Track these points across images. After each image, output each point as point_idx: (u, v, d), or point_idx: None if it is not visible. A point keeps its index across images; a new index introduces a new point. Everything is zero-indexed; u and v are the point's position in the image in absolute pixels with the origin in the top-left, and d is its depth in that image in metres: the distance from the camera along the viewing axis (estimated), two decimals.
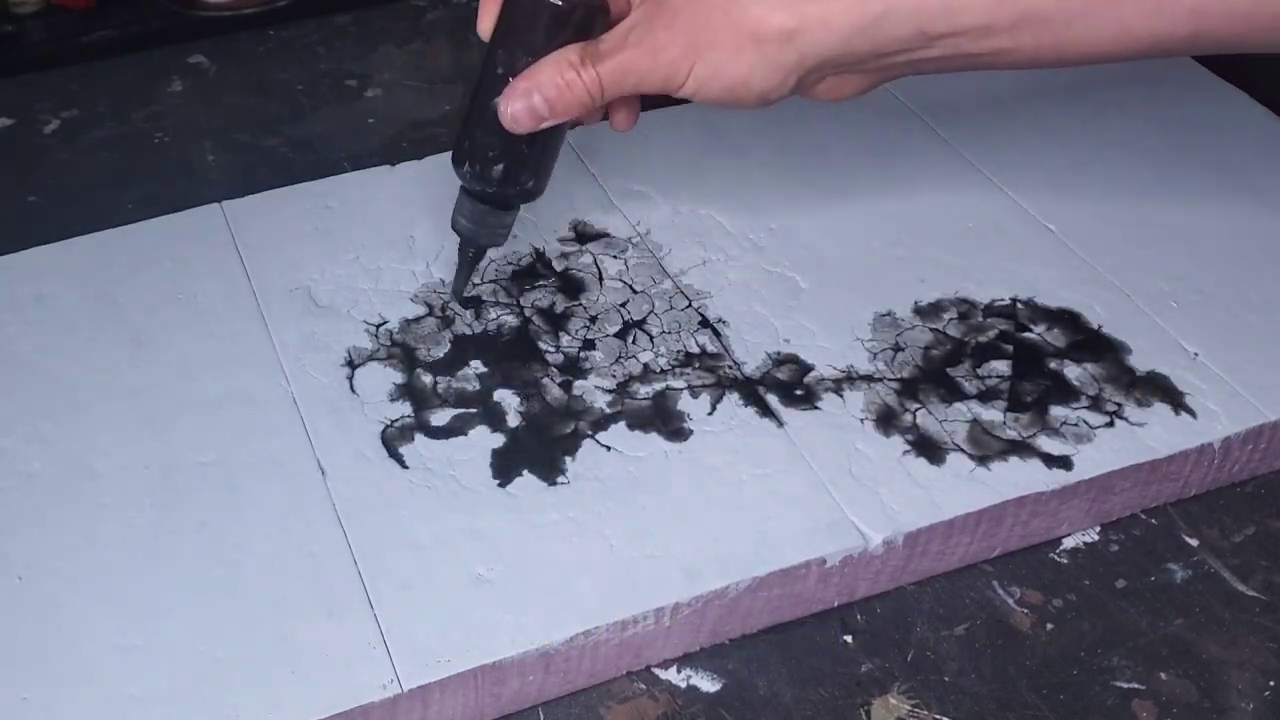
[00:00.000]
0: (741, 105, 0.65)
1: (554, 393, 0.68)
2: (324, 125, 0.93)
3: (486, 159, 0.67)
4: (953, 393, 0.69)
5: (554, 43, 0.64)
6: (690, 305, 0.73)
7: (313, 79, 0.97)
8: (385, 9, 1.03)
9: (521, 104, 0.64)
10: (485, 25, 0.67)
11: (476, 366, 0.70)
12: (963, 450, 0.66)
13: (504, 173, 0.67)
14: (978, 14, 0.61)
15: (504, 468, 0.65)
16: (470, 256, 0.71)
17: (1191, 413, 0.68)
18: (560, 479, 0.64)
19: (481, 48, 0.67)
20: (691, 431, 0.67)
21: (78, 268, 0.76)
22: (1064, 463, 0.65)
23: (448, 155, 0.83)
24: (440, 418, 0.67)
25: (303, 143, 0.91)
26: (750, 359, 0.70)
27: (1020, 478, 0.65)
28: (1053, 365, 0.70)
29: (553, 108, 0.64)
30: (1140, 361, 0.70)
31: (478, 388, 0.69)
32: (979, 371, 0.70)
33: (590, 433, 0.67)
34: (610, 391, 0.69)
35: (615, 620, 0.59)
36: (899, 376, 0.69)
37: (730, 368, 0.70)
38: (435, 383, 0.69)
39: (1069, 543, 0.66)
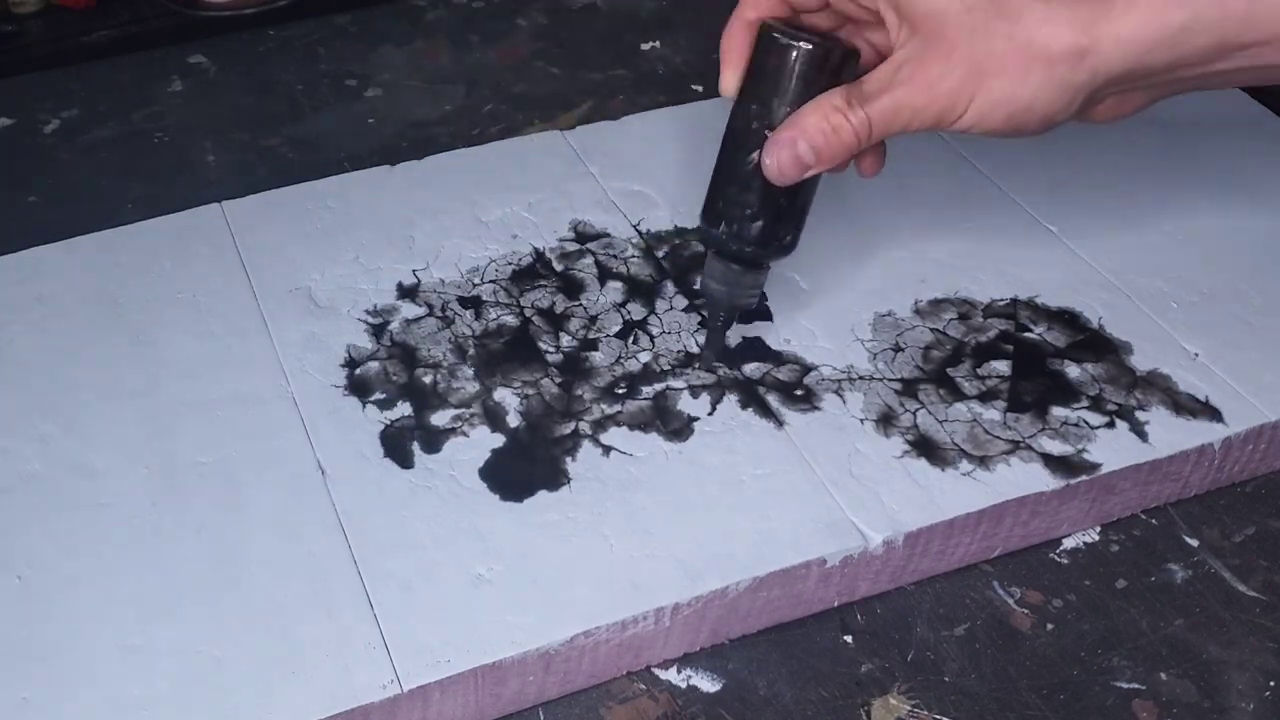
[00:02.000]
0: (1023, 132, 0.62)
1: (554, 393, 0.68)
2: (324, 125, 0.93)
3: (743, 217, 0.64)
4: (953, 393, 0.69)
5: (812, 89, 0.62)
6: (690, 305, 0.73)
7: (313, 79, 0.97)
8: (385, 9, 1.03)
9: (787, 153, 0.62)
10: (730, 83, 0.65)
11: (477, 367, 0.70)
12: (963, 450, 0.66)
13: (762, 230, 0.65)
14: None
15: (504, 468, 0.65)
16: (721, 323, 0.69)
17: (1191, 413, 0.68)
18: (560, 479, 0.64)
19: (726, 105, 0.65)
20: (692, 432, 0.67)
21: (78, 268, 0.76)
22: (1064, 463, 0.65)
23: (447, 155, 0.83)
24: (440, 418, 0.67)
25: (303, 142, 0.91)
26: (751, 359, 0.70)
27: (1020, 478, 0.65)
28: (1053, 366, 0.70)
29: (820, 155, 0.62)
30: (1140, 362, 0.70)
31: (478, 388, 0.69)
32: (979, 372, 0.70)
33: (590, 433, 0.67)
34: (610, 392, 0.69)
35: (615, 620, 0.59)
36: (899, 377, 0.69)
37: (732, 367, 0.70)
38: (435, 383, 0.69)
39: (1069, 543, 0.66)
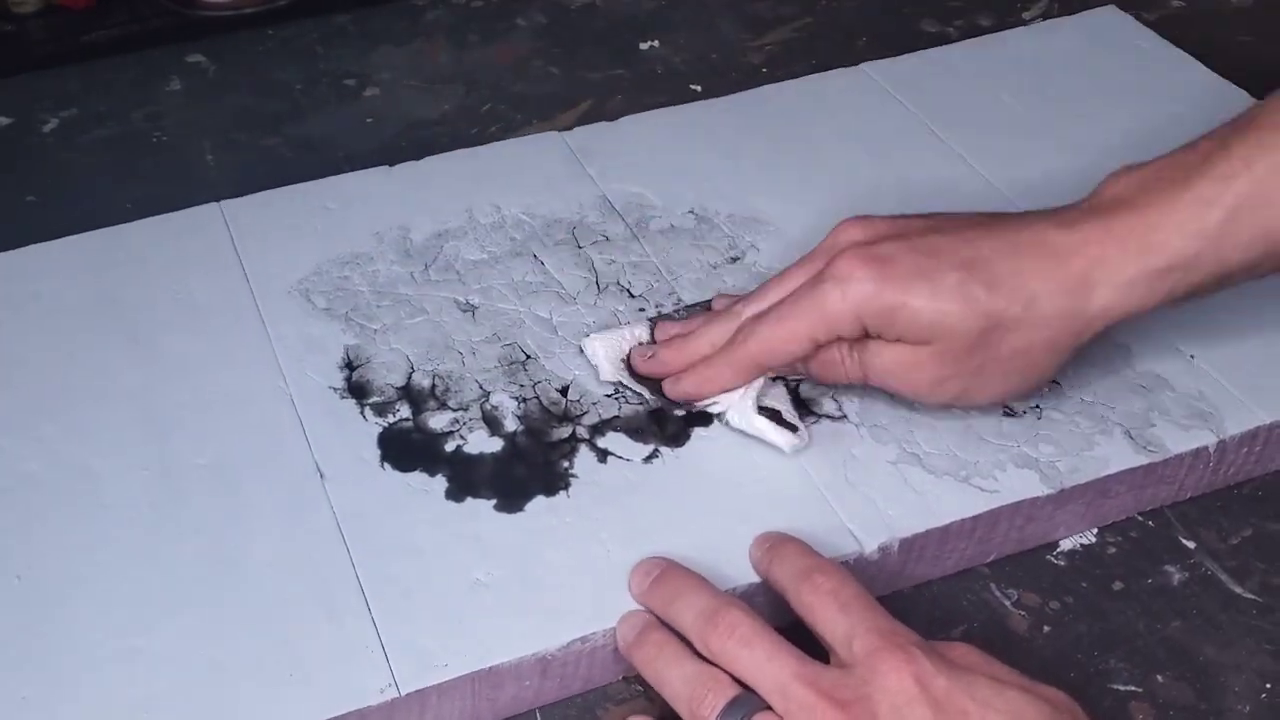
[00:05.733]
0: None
1: (552, 397, 0.68)
2: (323, 125, 0.93)
3: None
4: None
5: None
6: (688, 308, 0.73)
7: (312, 79, 0.97)
8: (385, 9, 1.03)
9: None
10: None
11: (474, 370, 0.70)
12: (958, 455, 0.66)
13: None
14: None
15: (502, 472, 0.65)
16: None
17: (1187, 416, 0.68)
18: (558, 484, 0.65)
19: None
20: (689, 437, 0.67)
21: (76, 266, 0.76)
22: (1059, 467, 0.65)
23: (446, 156, 0.83)
24: (439, 421, 0.67)
25: (302, 142, 0.91)
26: None
27: (1015, 483, 0.65)
28: None
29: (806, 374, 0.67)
30: (1136, 364, 0.70)
31: (476, 392, 0.69)
32: None
33: (588, 437, 0.67)
34: (608, 396, 0.69)
35: (612, 625, 0.59)
36: None
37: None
38: (433, 386, 0.69)
39: (1066, 545, 0.67)
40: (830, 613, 0.56)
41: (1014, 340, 0.62)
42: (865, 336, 0.64)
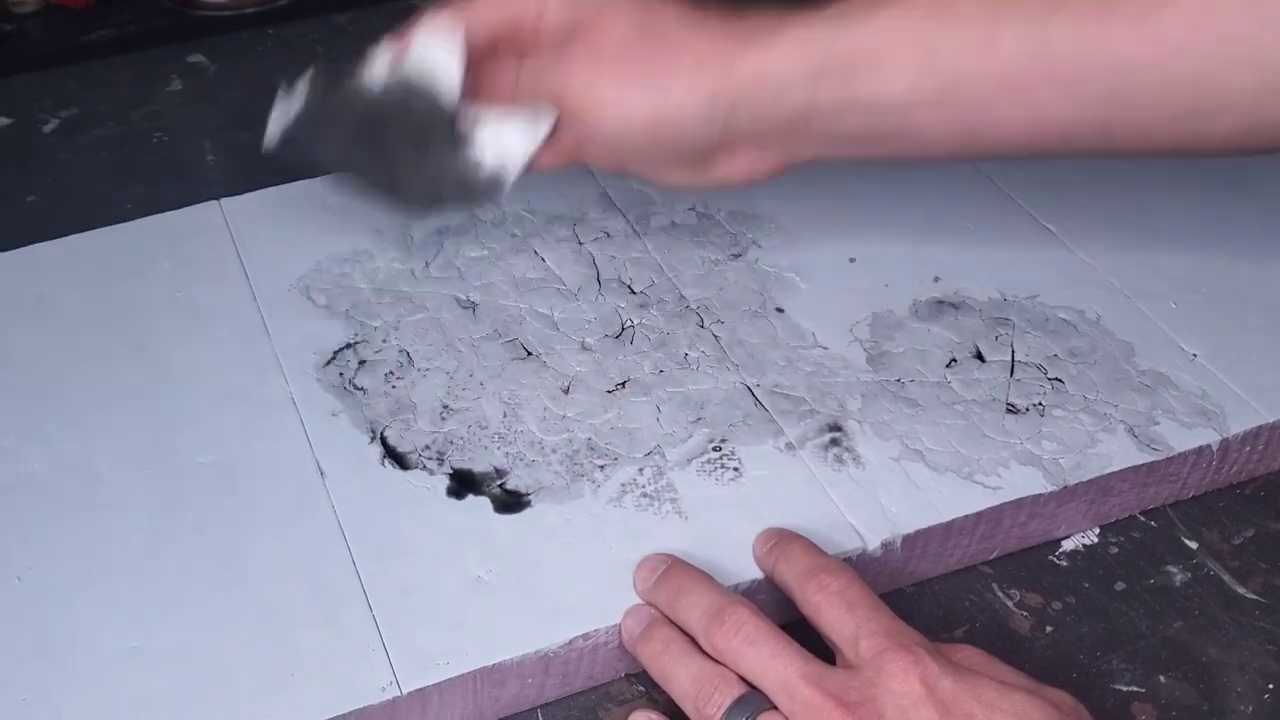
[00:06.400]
0: (665, 155, 0.67)
1: (551, 394, 0.68)
2: None
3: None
4: (951, 393, 0.69)
5: None
6: (688, 306, 0.73)
7: None
8: (385, 8, 1.03)
9: None
10: None
11: (475, 367, 0.70)
12: (961, 452, 0.66)
13: None
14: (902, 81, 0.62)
15: (503, 470, 0.65)
16: None
17: (1190, 414, 0.68)
18: (558, 481, 0.64)
19: None
20: (690, 435, 0.67)
21: (76, 265, 0.76)
22: (1062, 464, 0.65)
23: None
24: (440, 420, 0.67)
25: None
26: (749, 360, 0.70)
27: (1018, 479, 0.65)
28: (1051, 367, 0.70)
29: None
30: (1139, 363, 0.70)
31: (478, 389, 0.69)
32: (977, 373, 0.70)
33: (588, 435, 0.67)
34: (609, 393, 0.69)
35: (614, 623, 0.59)
36: (897, 378, 0.69)
37: (730, 369, 0.70)
38: (434, 384, 0.69)
39: (1068, 545, 0.66)
40: (837, 613, 0.56)
41: (679, 36, 0.64)
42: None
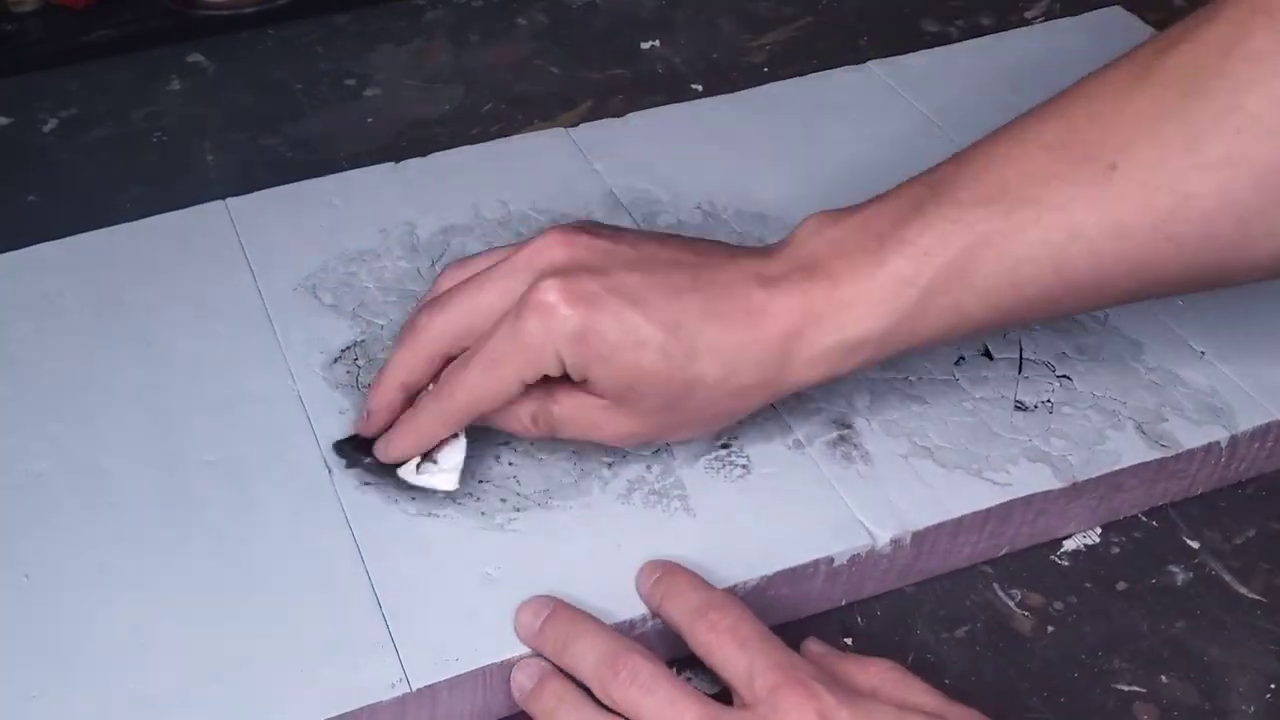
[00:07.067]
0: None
1: None
2: (323, 124, 0.93)
3: None
4: (960, 391, 0.69)
5: None
6: None
7: (312, 78, 0.97)
8: (385, 8, 1.03)
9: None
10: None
11: None
12: (970, 449, 0.66)
13: None
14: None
15: (510, 467, 0.65)
16: None
17: (1198, 411, 0.68)
18: (566, 479, 0.64)
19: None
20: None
21: (83, 265, 0.75)
22: (1071, 461, 0.65)
23: (452, 153, 0.83)
24: None
25: (302, 142, 0.91)
26: None
27: (1028, 476, 0.65)
28: (1059, 364, 0.70)
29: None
30: (1147, 360, 0.71)
31: None
32: (986, 371, 0.70)
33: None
34: None
35: (621, 620, 0.59)
36: (905, 376, 0.70)
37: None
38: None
39: (1070, 545, 0.67)
40: (729, 651, 0.55)
41: (708, 403, 0.61)
42: (558, 380, 0.61)
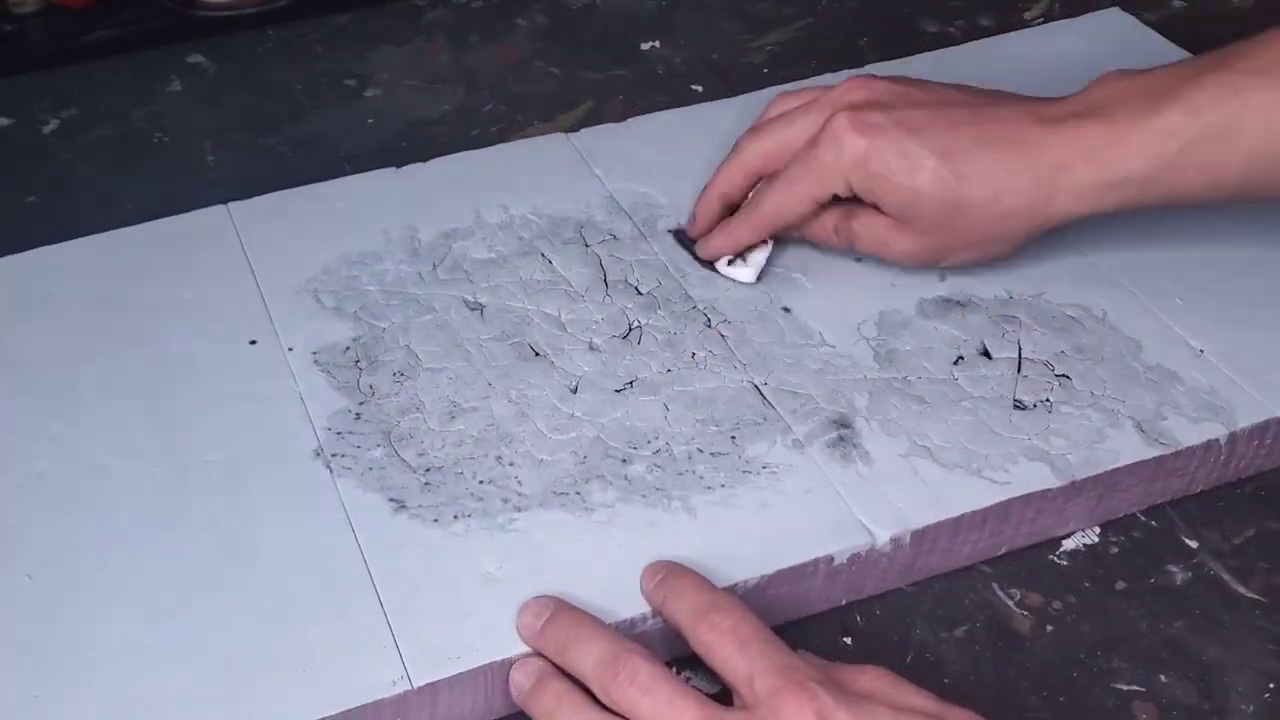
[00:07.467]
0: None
1: (559, 394, 0.69)
2: (323, 125, 0.93)
3: None
4: (959, 390, 0.69)
5: None
6: (695, 306, 0.74)
7: (312, 79, 0.97)
8: (385, 8, 1.03)
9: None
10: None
11: (483, 367, 0.70)
12: (969, 448, 0.66)
13: None
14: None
15: (511, 467, 0.65)
16: None
17: (1197, 409, 0.68)
18: (567, 478, 0.65)
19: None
20: (698, 433, 0.67)
21: (86, 268, 0.76)
22: (1070, 460, 0.66)
23: (453, 157, 0.83)
24: (447, 418, 0.67)
25: (302, 142, 0.91)
26: (756, 359, 0.71)
27: (1027, 475, 0.65)
28: (1058, 363, 0.71)
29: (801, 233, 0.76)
30: (1146, 359, 0.71)
31: (485, 389, 0.69)
32: (985, 370, 0.70)
33: (595, 433, 0.67)
34: (617, 393, 0.69)
35: (622, 619, 0.59)
36: (904, 375, 0.70)
37: (736, 368, 0.70)
38: (441, 383, 0.69)
39: (1069, 544, 0.67)
40: (729, 652, 0.55)
41: (978, 224, 0.70)
42: (854, 201, 0.71)
